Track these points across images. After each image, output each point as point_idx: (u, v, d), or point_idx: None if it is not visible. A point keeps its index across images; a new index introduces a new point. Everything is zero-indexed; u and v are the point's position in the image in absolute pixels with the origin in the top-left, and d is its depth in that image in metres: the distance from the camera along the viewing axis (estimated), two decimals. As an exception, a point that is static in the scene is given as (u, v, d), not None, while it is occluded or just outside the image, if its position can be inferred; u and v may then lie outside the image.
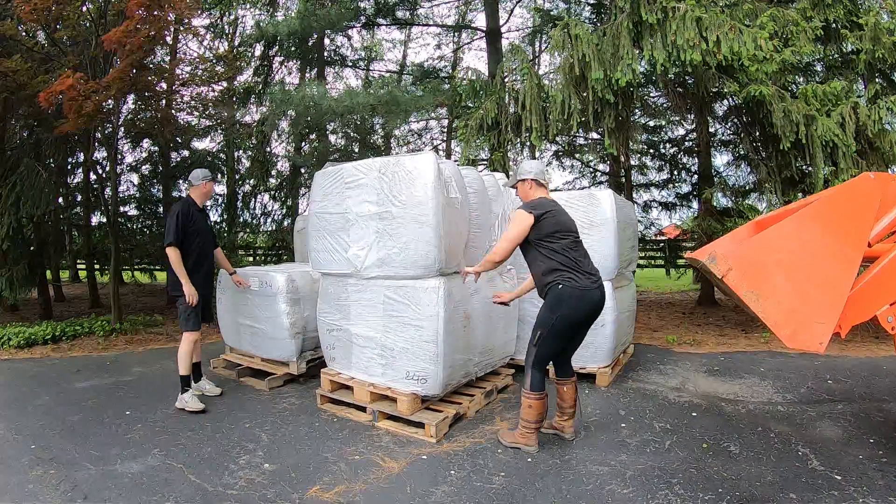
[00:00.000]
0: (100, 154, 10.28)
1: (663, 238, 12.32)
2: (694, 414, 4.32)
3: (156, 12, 6.86)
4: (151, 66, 8.64)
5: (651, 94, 9.23)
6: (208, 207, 5.61)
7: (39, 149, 9.01)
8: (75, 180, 11.62)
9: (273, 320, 5.31)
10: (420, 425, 3.96)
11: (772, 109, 6.54)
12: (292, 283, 5.31)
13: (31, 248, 8.75)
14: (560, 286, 3.45)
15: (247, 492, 3.16)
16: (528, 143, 7.87)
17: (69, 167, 11.02)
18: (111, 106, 8.49)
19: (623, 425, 4.10)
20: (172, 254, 4.59)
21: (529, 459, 3.51)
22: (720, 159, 10.79)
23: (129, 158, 12.65)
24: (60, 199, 11.65)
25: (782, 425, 4.02)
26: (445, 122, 14.59)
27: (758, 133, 7.82)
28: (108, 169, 9.60)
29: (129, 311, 10.17)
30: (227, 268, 5.40)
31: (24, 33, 8.36)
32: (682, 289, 13.06)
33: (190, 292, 4.60)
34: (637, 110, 9.28)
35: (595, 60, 6.46)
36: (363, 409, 4.32)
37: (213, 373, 5.89)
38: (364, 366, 4.36)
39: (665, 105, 9.30)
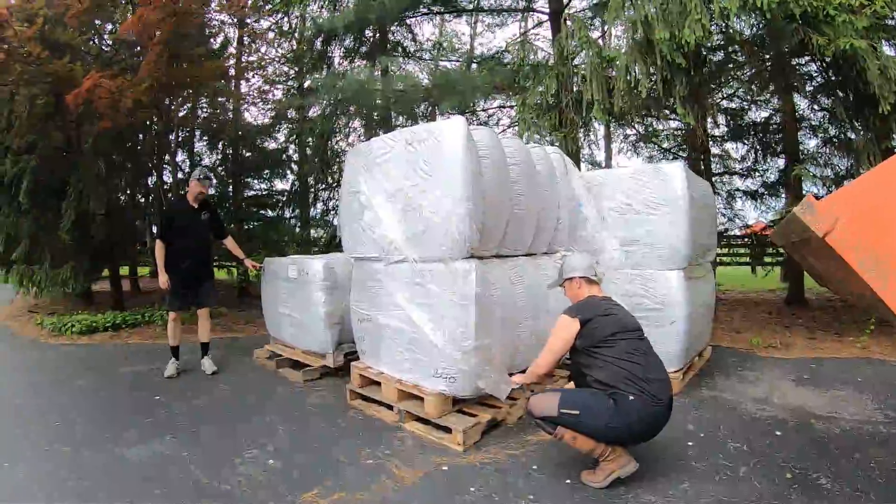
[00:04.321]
0: (179, 157, 10.64)
1: (749, 234, 11.13)
2: (778, 433, 3.56)
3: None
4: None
5: (734, 68, 8.25)
6: (211, 202, 6.04)
7: (107, 148, 9.20)
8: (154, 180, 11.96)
9: (310, 309, 5.04)
10: (448, 430, 3.47)
11: (866, 66, 5.56)
12: (330, 271, 5.01)
13: (95, 241, 8.95)
14: (631, 397, 2.70)
15: (240, 489, 2.92)
16: (592, 122, 7.19)
17: (151, 166, 11.29)
18: (168, 105, 8.62)
19: (690, 443, 3.41)
20: (156, 246, 5.26)
21: (568, 481, 2.93)
22: (809, 144, 9.58)
23: (202, 160, 12.91)
24: (142, 198, 12.15)
25: (884, 451, 3.22)
26: (514, 114, 13.88)
27: (851, 98, 6.78)
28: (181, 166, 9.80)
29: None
30: (238, 254, 5.83)
31: (91, 41, 8.55)
32: (769, 287, 11.88)
33: (161, 280, 5.19)
34: (713, 85, 8.33)
35: (660, 21, 5.72)
36: (392, 408, 3.90)
37: (255, 364, 5.81)
38: (392, 360, 3.92)
39: (749, 76, 8.30)
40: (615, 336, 2.83)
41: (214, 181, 11.14)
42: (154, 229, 11.92)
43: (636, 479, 2.89)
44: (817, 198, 1.71)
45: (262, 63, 10.03)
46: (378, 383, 4.10)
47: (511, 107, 13.47)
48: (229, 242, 5.77)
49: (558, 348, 2.96)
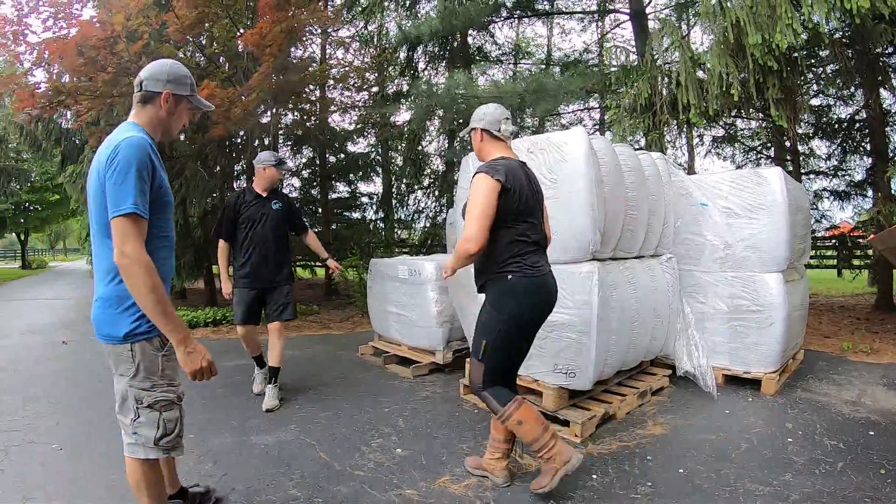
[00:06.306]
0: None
1: (836, 235, 10.75)
2: (871, 433, 3.67)
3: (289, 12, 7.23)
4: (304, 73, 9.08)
5: (817, 64, 8.08)
6: (290, 191, 5.73)
7: (204, 155, 9.88)
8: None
9: (420, 308, 5.29)
10: (565, 423, 3.70)
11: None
12: (441, 272, 5.28)
13: (194, 242, 9.59)
14: (510, 276, 2.70)
15: (374, 474, 3.10)
16: (685, 124, 7.24)
17: (235, 172, 11.95)
18: (264, 111, 9.18)
19: (790, 440, 3.56)
20: (218, 248, 4.55)
21: (681, 470, 3.12)
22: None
23: (289, 164, 13.48)
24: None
25: (978, 453, 3.29)
26: (597, 115, 13.92)
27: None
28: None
29: (290, 301, 11.01)
30: (321, 253, 4.95)
31: (181, 54, 9.15)
32: (857, 291, 11.54)
33: (225, 289, 4.51)
34: (802, 82, 8.22)
35: (750, 25, 5.76)
36: (507, 402, 4.16)
37: (360, 359, 6.05)
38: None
39: (833, 72, 8.12)
40: (522, 215, 2.73)
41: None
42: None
43: (743, 469, 3.11)
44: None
45: (353, 71, 10.49)
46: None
47: (592, 108, 13.55)
48: (311, 239, 4.87)
49: (483, 211, 2.61)
